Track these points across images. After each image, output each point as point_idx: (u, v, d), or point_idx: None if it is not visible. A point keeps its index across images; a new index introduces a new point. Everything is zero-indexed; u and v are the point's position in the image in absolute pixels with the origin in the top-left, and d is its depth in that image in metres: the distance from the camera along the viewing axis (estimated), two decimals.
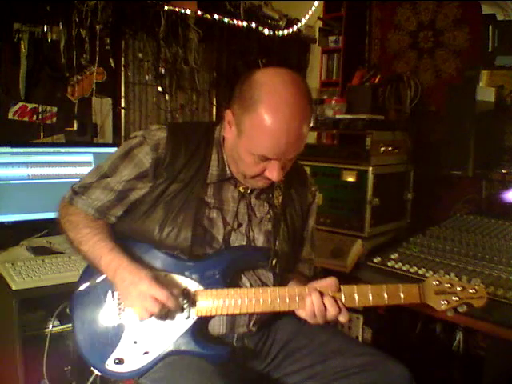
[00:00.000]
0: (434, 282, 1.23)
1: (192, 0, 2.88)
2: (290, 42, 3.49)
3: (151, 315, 1.15)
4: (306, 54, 3.67)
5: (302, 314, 1.23)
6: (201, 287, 1.24)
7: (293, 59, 3.49)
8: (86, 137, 2.65)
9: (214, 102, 3.27)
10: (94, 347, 1.23)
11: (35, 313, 1.82)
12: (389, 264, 1.98)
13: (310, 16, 3.49)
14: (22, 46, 2.37)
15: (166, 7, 2.76)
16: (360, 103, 2.62)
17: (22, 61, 2.39)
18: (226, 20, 3.06)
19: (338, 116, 2.51)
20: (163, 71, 2.91)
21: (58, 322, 1.80)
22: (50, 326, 1.77)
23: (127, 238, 1.31)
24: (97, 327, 1.24)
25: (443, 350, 2.26)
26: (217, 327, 1.27)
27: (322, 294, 1.21)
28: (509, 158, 2.34)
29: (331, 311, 1.20)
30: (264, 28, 3.30)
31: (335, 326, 1.44)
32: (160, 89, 2.94)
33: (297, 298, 1.23)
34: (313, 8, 3.47)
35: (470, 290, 1.22)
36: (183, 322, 1.23)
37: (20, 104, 2.40)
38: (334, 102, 2.61)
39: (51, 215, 1.36)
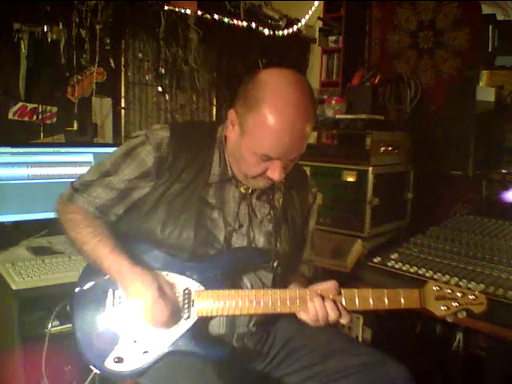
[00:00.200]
0: (434, 288, 1.23)
1: (192, 0, 2.88)
2: (290, 42, 3.49)
3: (154, 326, 1.19)
4: (306, 54, 3.68)
5: (304, 316, 1.23)
6: (202, 287, 1.24)
7: (293, 59, 3.50)
8: (86, 137, 2.65)
9: (214, 102, 3.28)
10: (94, 346, 1.23)
11: (35, 313, 1.82)
12: (389, 264, 1.98)
13: (310, 16, 3.49)
14: (22, 46, 2.37)
15: (166, 7, 2.76)
16: (360, 103, 2.61)
17: (21, 61, 2.39)
18: (226, 20, 3.06)
19: (338, 116, 2.51)
20: (163, 71, 2.91)
21: (58, 322, 1.80)
22: (49, 325, 1.77)
23: (129, 237, 1.31)
24: (97, 326, 1.24)
25: (443, 350, 2.25)
26: (217, 327, 1.27)
27: (323, 298, 1.21)
28: (509, 158, 2.34)
29: (332, 315, 1.20)
30: (264, 28, 3.30)
31: (335, 326, 1.43)
32: (160, 89, 2.94)
33: (298, 301, 1.22)
34: (313, 8, 3.47)
35: (470, 296, 1.22)
36: (183, 322, 1.23)
37: (20, 104, 2.41)
38: (334, 102, 2.61)
39: (51, 215, 1.36)
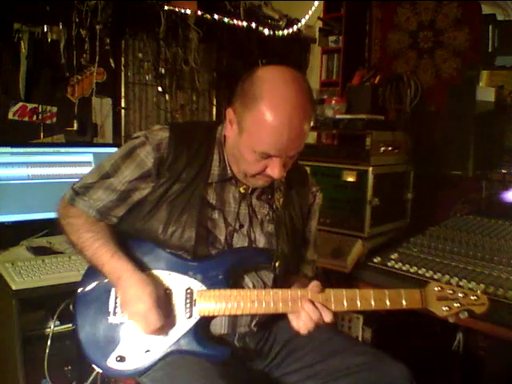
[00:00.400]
0: (435, 288, 1.23)
1: (192, 0, 2.88)
2: (290, 41, 3.49)
3: (144, 333, 1.20)
4: (306, 54, 3.67)
5: (294, 322, 1.22)
6: (204, 287, 1.25)
7: (293, 59, 3.50)
8: (86, 137, 2.65)
9: (214, 102, 3.27)
10: (96, 345, 1.23)
11: (35, 313, 1.82)
12: (389, 264, 1.98)
13: (310, 16, 3.49)
14: (22, 46, 2.37)
15: (166, 7, 2.76)
16: (360, 103, 2.62)
17: (22, 61, 2.39)
18: (226, 20, 3.06)
19: (337, 116, 2.52)
20: (163, 71, 2.91)
21: (59, 322, 1.81)
22: (52, 326, 1.77)
23: (132, 238, 1.31)
24: (99, 325, 1.24)
25: (443, 349, 2.25)
26: (218, 327, 1.28)
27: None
28: (509, 158, 2.34)
29: (313, 317, 1.19)
30: (264, 28, 3.30)
31: (335, 325, 1.44)
32: (160, 89, 2.94)
33: (299, 301, 1.23)
34: (313, 8, 3.47)
35: (472, 297, 1.22)
36: (185, 321, 1.23)
37: (20, 104, 2.40)
38: (334, 102, 2.61)
39: (51, 215, 1.36)
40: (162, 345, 1.21)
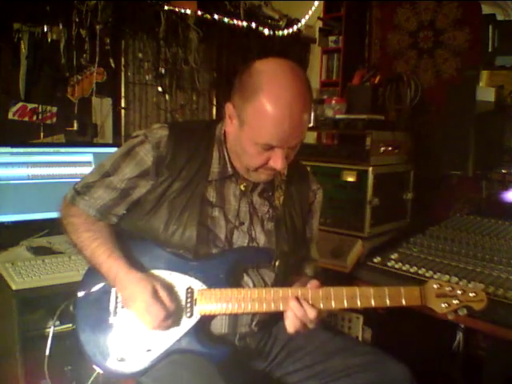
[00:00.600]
0: (434, 285, 1.24)
1: (192, 0, 2.88)
2: (290, 42, 3.49)
3: (151, 329, 1.19)
4: (306, 54, 3.68)
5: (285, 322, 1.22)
6: (204, 286, 1.25)
7: (293, 59, 3.48)
8: (86, 137, 2.66)
9: (214, 102, 3.28)
10: (97, 345, 1.23)
11: (35, 313, 1.82)
12: (389, 264, 1.98)
13: (310, 16, 3.49)
14: (22, 46, 2.37)
15: (166, 7, 2.76)
16: (360, 103, 2.61)
17: (21, 61, 2.39)
18: (226, 20, 3.07)
19: (338, 116, 2.51)
20: (163, 71, 2.91)
21: (59, 322, 1.80)
22: (52, 326, 1.77)
23: (133, 237, 1.31)
24: (100, 325, 1.25)
25: (443, 350, 2.25)
26: (219, 326, 1.28)
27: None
28: (509, 158, 2.33)
29: (298, 313, 1.18)
30: (264, 28, 3.30)
31: (335, 325, 1.44)
32: (160, 89, 2.95)
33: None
34: (313, 8, 3.48)
35: (471, 294, 1.22)
36: (186, 320, 1.23)
37: (20, 104, 2.41)
38: (334, 101, 2.61)
39: (51, 215, 1.37)
40: (163, 344, 1.21)
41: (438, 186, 2.71)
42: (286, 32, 3.42)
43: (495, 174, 2.34)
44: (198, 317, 1.23)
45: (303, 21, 3.50)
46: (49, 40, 2.44)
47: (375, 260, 2.05)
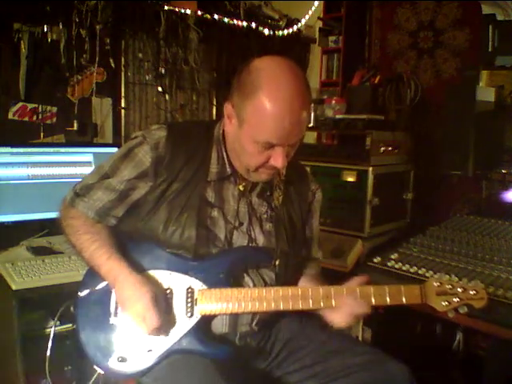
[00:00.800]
0: (435, 283, 1.24)
1: (192, 0, 2.88)
2: (290, 41, 3.49)
3: (144, 333, 1.19)
4: (306, 54, 3.68)
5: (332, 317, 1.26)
6: (205, 286, 1.25)
7: (293, 59, 3.49)
8: (86, 137, 2.65)
9: (214, 102, 3.28)
10: (98, 345, 1.23)
11: (35, 313, 1.82)
12: (389, 264, 1.98)
13: (310, 16, 3.49)
14: (22, 45, 2.37)
15: (166, 7, 2.76)
16: (360, 103, 2.62)
17: (21, 61, 2.39)
18: (226, 20, 3.07)
19: (338, 116, 2.51)
20: (163, 71, 2.91)
21: (59, 322, 1.80)
22: (52, 326, 1.77)
23: (132, 238, 1.31)
24: (100, 326, 1.24)
25: (443, 349, 2.26)
26: (219, 326, 1.28)
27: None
28: (509, 158, 2.34)
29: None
30: (264, 28, 3.30)
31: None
32: (160, 89, 2.95)
33: (299, 299, 1.23)
34: (313, 8, 3.48)
35: (471, 292, 1.22)
36: (186, 320, 1.23)
37: (20, 104, 2.41)
38: (334, 101, 2.61)
39: (51, 215, 1.36)
40: (164, 344, 1.21)
41: (438, 186, 2.71)
42: (286, 32, 3.42)
43: (495, 174, 2.34)
44: (199, 317, 1.23)
45: (303, 21, 3.51)
46: (49, 40, 2.44)
47: (375, 260, 2.05)
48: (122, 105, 2.84)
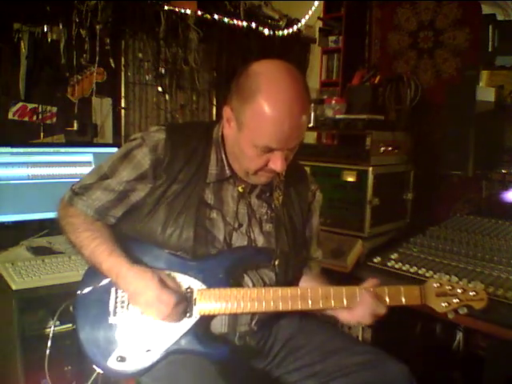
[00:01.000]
0: (434, 284, 1.24)
1: (192, 0, 2.88)
2: (290, 41, 3.49)
3: (163, 318, 1.18)
4: (306, 54, 3.68)
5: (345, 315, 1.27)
6: (204, 286, 1.25)
7: (293, 59, 3.50)
8: (86, 137, 2.66)
9: (214, 102, 3.28)
10: (97, 345, 1.23)
11: (35, 313, 1.82)
12: (389, 264, 1.98)
13: (310, 16, 3.49)
14: (22, 45, 2.37)
15: (166, 7, 2.77)
16: (360, 103, 2.62)
17: (22, 61, 2.39)
18: (226, 20, 3.07)
19: (338, 116, 2.51)
20: (163, 71, 2.91)
21: (59, 322, 1.80)
22: (52, 326, 1.77)
23: (131, 239, 1.31)
24: (100, 325, 1.24)
25: (443, 349, 2.25)
26: (219, 326, 1.28)
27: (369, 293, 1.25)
28: (509, 158, 2.33)
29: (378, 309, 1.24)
30: (264, 28, 3.30)
31: (335, 325, 1.44)
32: (160, 89, 2.95)
33: (299, 299, 1.23)
34: (313, 8, 3.48)
35: (471, 293, 1.22)
36: (186, 320, 1.23)
37: (20, 104, 2.41)
38: (334, 101, 2.61)
39: (51, 215, 1.36)
40: (163, 344, 1.21)
41: (438, 185, 2.71)
42: (286, 32, 3.42)
43: (495, 174, 2.34)
44: (198, 317, 1.23)
45: (303, 21, 3.51)
46: (49, 40, 2.44)
47: (375, 260, 2.05)
48: (122, 105, 2.84)
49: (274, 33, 3.35)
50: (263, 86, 1.13)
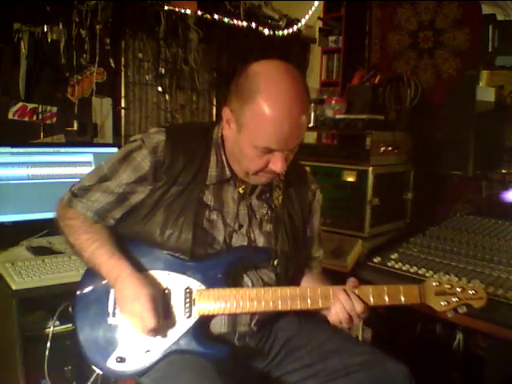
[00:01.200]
0: (434, 283, 1.24)
1: (192, 0, 2.88)
2: (290, 42, 3.49)
3: (142, 333, 1.19)
4: (306, 54, 3.68)
5: (328, 315, 1.26)
6: (203, 287, 1.25)
7: (293, 59, 3.50)
8: (86, 137, 2.66)
9: (214, 102, 3.28)
10: (96, 346, 1.23)
11: (35, 313, 1.82)
12: (389, 264, 1.98)
13: (310, 16, 3.49)
14: (22, 45, 2.37)
15: (166, 7, 2.77)
16: (360, 103, 2.62)
17: (21, 61, 2.39)
18: (226, 20, 3.07)
19: (337, 116, 2.51)
20: (163, 71, 2.91)
21: (59, 322, 1.80)
22: (52, 326, 1.77)
23: (130, 240, 1.31)
24: (99, 326, 1.24)
25: (443, 350, 2.25)
26: (218, 326, 1.28)
27: (346, 292, 1.24)
28: (509, 158, 2.33)
29: (358, 308, 1.22)
30: (264, 28, 3.30)
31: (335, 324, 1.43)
32: (160, 89, 2.95)
33: (298, 299, 1.24)
34: (313, 8, 3.48)
35: (470, 291, 1.22)
36: (185, 321, 1.23)
37: (20, 104, 2.41)
38: (334, 101, 2.61)
39: (51, 215, 1.36)
40: (162, 345, 1.21)
41: (438, 185, 2.71)
42: (286, 32, 3.42)
43: (495, 174, 2.34)
44: (197, 317, 1.23)
45: (303, 21, 3.51)
46: (49, 40, 2.44)
47: (375, 260, 2.05)
48: (122, 105, 2.85)
49: (274, 33, 3.36)
50: (263, 86, 1.13)
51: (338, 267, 2.09)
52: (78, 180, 1.35)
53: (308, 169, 1.57)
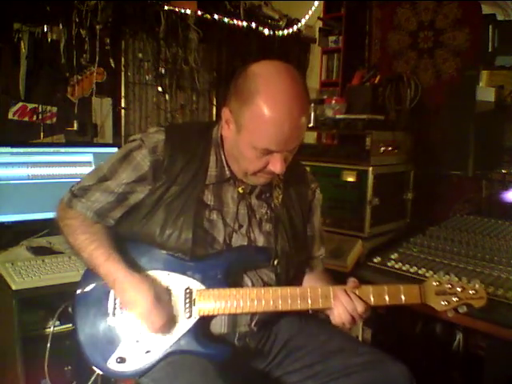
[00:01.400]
0: (434, 283, 1.24)
1: (192, 0, 2.88)
2: (290, 41, 3.49)
3: (154, 332, 1.20)
4: (306, 54, 3.68)
5: (331, 316, 1.26)
6: (203, 287, 1.25)
7: (293, 59, 3.50)
8: (86, 137, 2.66)
9: (214, 102, 3.28)
10: (96, 346, 1.23)
11: (35, 313, 1.82)
12: (389, 264, 1.98)
13: (310, 16, 3.49)
14: (22, 45, 2.37)
15: (166, 7, 2.77)
16: (360, 103, 2.61)
17: (21, 61, 2.39)
18: (226, 20, 3.07)
19: (338, 116, 2.51)
20: (163, 71, 2.91)
21: (58, 322, 1.80)
22: (52, 326, 1.77)
23: (130, 240, 1.31)
24: (99, 326, 1.24)
25: (443, 350, 2.25)
26: (218, 326, 1.28)
27: (347, 293, 1.24)
28: (509, 158, 2.33)
29: (359, 308, 1.22)
30: (264, 28, 3.30)
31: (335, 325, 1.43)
32: (160, 89, 2.95)
33: (298, 298, 1.24)
34: (313, 8, 3.48)
35: (470, 291, 1.22)
36: (185, 321, 1.23)
37: (20, 104, 2.41)
38: (334, 101, 2.61)
39: (51, 215, 1.36)
40: (162, 345, 1.21)
41: (438, 185, 2.71)
42: (286, 32, 3.42)
43: (495, 174, 2.34)
44: (197, 317, 1.23)
45: (303, 21, 3.50)
46: (49, 40, 2.44)
47: (375, 260, 2.05)
48: (122, 105, 2.84)
49: (274, 33, 3.35)
50: (262, 87, 1.13)
51: (338, 267, 2.09)
52: (78, 180, 1.35)
53: (308, 169, 1.57)
